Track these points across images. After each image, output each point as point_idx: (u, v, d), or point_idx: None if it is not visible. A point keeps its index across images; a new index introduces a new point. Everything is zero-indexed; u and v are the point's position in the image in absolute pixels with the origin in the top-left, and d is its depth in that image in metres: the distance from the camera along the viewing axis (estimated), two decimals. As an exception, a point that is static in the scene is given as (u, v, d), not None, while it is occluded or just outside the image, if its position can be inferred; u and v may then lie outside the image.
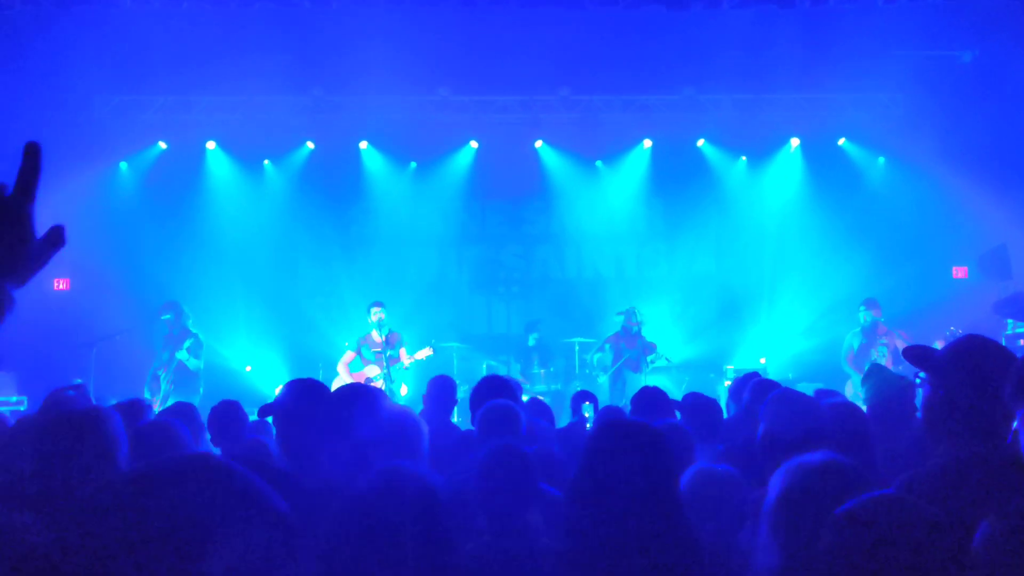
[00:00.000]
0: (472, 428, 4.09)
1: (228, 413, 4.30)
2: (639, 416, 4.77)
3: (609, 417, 3.03)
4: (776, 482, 2.09)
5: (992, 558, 1.65)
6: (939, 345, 8.20)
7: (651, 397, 4.84)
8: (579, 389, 6.12)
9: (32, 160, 1.15)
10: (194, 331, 9.59)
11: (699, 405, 4.87)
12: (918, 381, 2.69)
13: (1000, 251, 10.68)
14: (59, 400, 3.71)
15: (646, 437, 2.13)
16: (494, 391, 4.06)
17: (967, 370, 2.38)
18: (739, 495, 2.70)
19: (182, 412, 4.04)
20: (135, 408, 3.80)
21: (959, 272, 11.82)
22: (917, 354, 2.59)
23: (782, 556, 1.99)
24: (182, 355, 9.35)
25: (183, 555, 0.96)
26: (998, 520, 1.71)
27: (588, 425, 5.26)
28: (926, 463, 2.60)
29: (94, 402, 4.07)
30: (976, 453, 2.34)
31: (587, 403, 5.29)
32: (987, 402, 2.32)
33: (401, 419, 3.07)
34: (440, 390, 5.19)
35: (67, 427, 2.43)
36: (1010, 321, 9.62)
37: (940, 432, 2.45)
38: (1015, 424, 2.15)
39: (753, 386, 4.38)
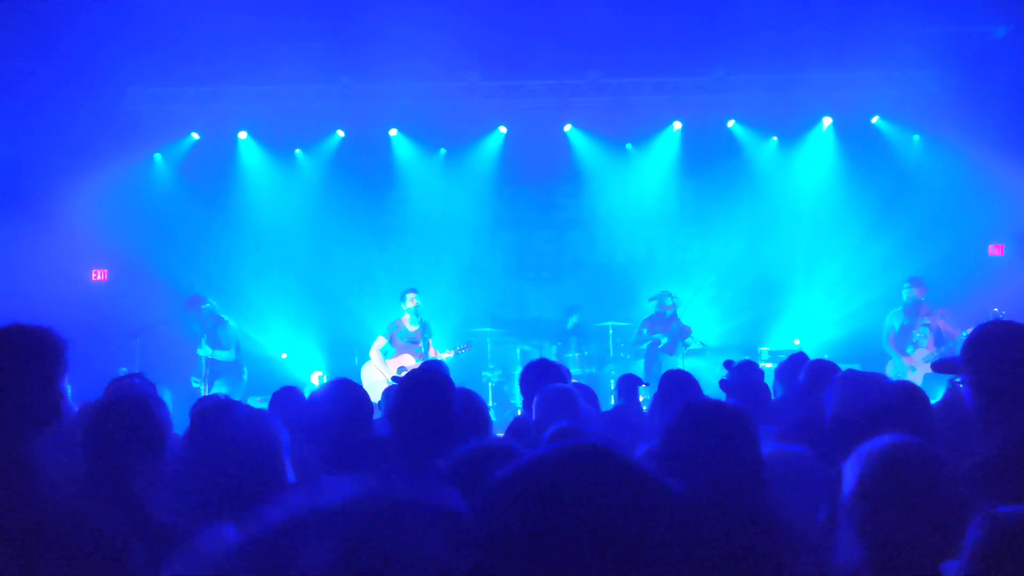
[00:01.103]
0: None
1: (288, 397, 4.36)
2: (666, 400, 4.75)
3: (692, 399, 3.04)
4: (852, 470, 2.09)
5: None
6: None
7: (678, 381, 4.81)
8: (622, 373, 6.12)
9: None
10: (226, 319, 9.70)
11: (747, 387, 4.87)
12: (960, 385, 2.70)
13: (1039, 228, 10.56)
14: (122, 387, 3.77)
15: (731, 417, 2.14)
16: (547, 375, 4.07)
17: (997, 358, 2.42)
18: (813, 474, 2.70)
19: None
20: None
21: (995, 250, 11.68)
22: (944, 366, 2.66)
23: (865, 547, 1.98)
24: (204, 352, 9.45)
25: None
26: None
27: (644, 408, 5.26)
28: (984, 451, 2.61)
29: (157, 390, 4.11)
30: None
31: (643, 386, 5.28)
32: (1021, 384, 2.35)
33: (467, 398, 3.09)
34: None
35: (117, 412, 2.45)
36: (1050, 299, 9.49)
37: (992, 422, 2.47)
38: None
39: (810, 367, 4.36)
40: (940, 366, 2.70)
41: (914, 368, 8.98)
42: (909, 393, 3.51)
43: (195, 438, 2.37)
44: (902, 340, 9.17)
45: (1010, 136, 10.38)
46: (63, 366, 2.21)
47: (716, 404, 2.24)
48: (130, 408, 2.48)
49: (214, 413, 2.45)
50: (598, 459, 1.04)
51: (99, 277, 11.30)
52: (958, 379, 2.66)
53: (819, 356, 10.30)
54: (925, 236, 11.19)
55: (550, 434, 2.80)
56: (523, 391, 4.10)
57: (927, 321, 9.05)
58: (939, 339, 8.81)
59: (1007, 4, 10.52)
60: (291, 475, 3.08)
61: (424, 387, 2.71)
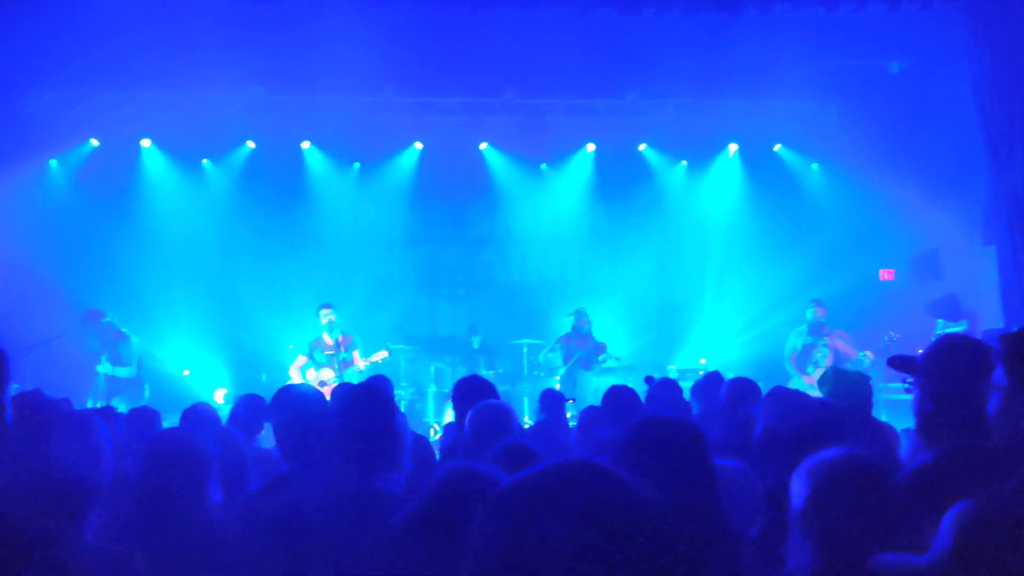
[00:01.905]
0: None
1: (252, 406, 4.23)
2: (610, 415, 4.82)
3: (647, 415, 3.05)
4: (802, 482, 2.14)
5: (974, 538, 1.74)
6: (869, 356, 8.45)
7: (621, 396, 4.90)
8: (537, 390, 6.15)
9: None
10: (126, 333, 9.32)
11: (671, 403, 4.96)
12: (907, 385, 2.82)
13: (931, 254, 11.15)
14: (27, 403, 3.55)
15: (688, 431, 2.16)
16: (479, 391, 4.04)
17: (949, 368, 2.53)
18: (751, 489, 2.76)
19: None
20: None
21: (885, 274, 12.26)
22: (902, 362, 2.75)
23: (818, 554, 2.03)
24: (104, 368, 9.09)
25: None
26: (974, 504, 1.80)
27: (571, 424, 5.28)
28: (921, 458, 2.73)
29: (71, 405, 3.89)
30: (967, 444, 2.46)
31: (570, 402, 5.31)
32: (971, 394, 2.45)
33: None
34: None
35: (67, 427, 2.41)
36: (940, 321, 10.02)
37: (934, 429, 2.58)
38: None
39: (732, 385, 4.47)
40: (897, 361, 2.76)
41: (813, 387, 9.27)
42: (829, 409, 3.65)
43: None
44: (803, 359, 9.51)
45: (905, 165, 10.93)
46: (6, 379, 2.16)
47: (674, 420, 2.26)
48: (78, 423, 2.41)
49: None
50: (602, 477, 1.06)
51: (-11, 289, 10.63)
52: (909, 380, 2.75)
53: (725, 375, 10.68)
54: (825, 260, 11.65)
55: (496, 451, 2.76)
56: (456, 408, 4.04)
57: (827, 341, 9.41)
58: (838, 360, 9.17)
59: (901, 41, 11.13)
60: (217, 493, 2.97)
61: (366, 403, 2.64)
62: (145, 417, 4.65)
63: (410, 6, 9.87)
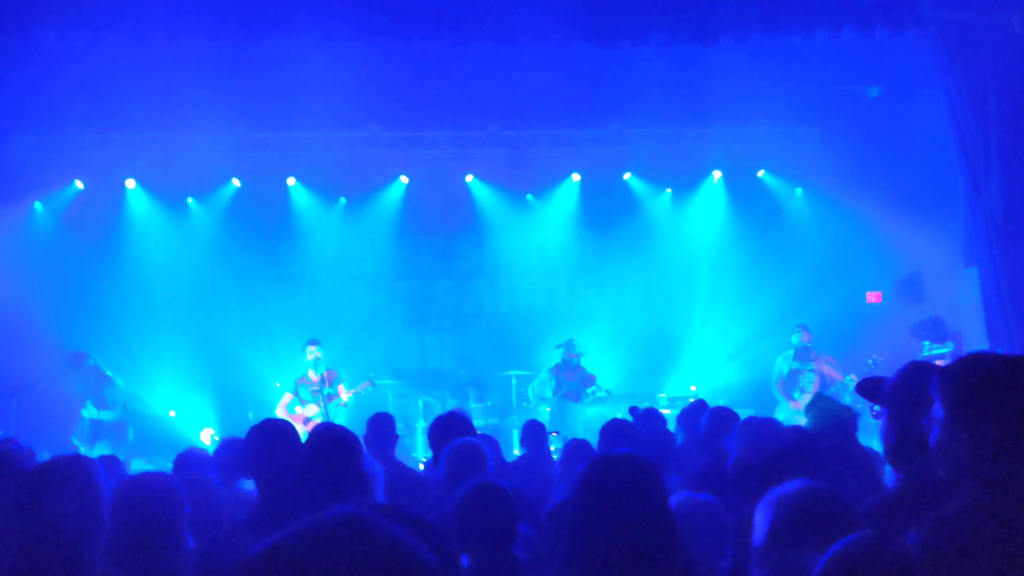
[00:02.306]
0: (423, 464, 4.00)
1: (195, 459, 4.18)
2: (606, 447, 4.81)
3: (603, 452, 3.03)
4: (763, 515, 2.12)
5: (924, 563, 1.72)
6: (854, 379, 8.43)
7: (619, 429, 4.88)
8: (527, 420, 6.10)
9: None
10: (111, 376, 9.27)
11: (653, 434, 4.94)
12: (875, 411, 2.81)
13: (914, 276, 11.19)
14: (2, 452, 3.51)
15: (643, 469, 2.15)
16: (455, 429, 4.02)
17: (914, 396, 2.50)
18: (720, 522, 2.73)
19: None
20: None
21: (873, 297, 12.29)
22: (868, 388, 2.73)
23: None
24: (89, 413, 9.04)
25: None
26: (931, 527, 1.78)
27: (555, 457, 5.25)
28: (890, 487, 2.71)
29: (34, 455, 3.85)
30: (929, 473, 2.44)
31: (554, 434, 5.28)
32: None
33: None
34: (380, 427, 5.07)
35: (55, 475, 2.41)
36: (926, 343, 10.05)
37: (899, 458, 2.56)
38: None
39: (711, 414, 4.45)
40: (864, 388, 2.74)
41: (800, 412, 9.28)
42: (801, 437, 3.63)
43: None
44: (789, 385, 9.50)
45: (886, 189, 11.02)
46: None
47: (625, 457, 2.24)
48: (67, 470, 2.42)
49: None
50: (357, 531, 1.00)
51: (-28, 333, 10.58)
52: (875, 408, 2.73)
53: (715, 401, 10.65)
54: (811, 284, 11.69)
55: (462, 493, 2.74)
56: (432, 446, 4.01)
57: (813, 366, 9.41)
58: (824, 384, 9.17)
59: (880, 67, 11.26)
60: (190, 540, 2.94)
61: (330, 445, 2.62)
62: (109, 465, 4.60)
63: (392, 42, 9.93)
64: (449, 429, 3.87)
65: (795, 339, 9.58)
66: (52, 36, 7.75)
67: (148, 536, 2.86)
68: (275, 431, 2.95)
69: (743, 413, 8.93)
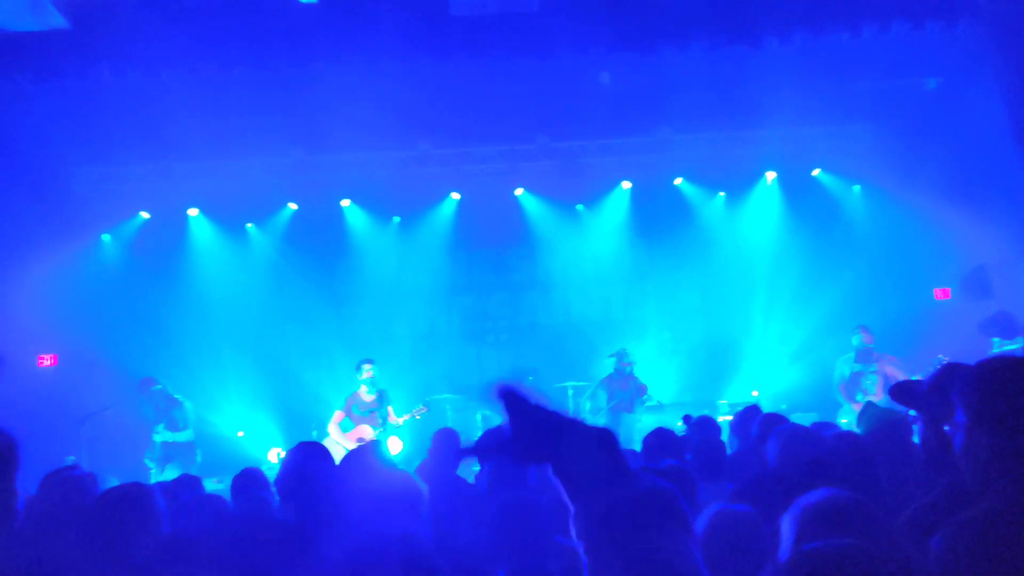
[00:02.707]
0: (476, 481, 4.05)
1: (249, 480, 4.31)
2: (650, 458, 4.76)
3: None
4: (788, 525, 2.09)
5: (945, 568, 1.67)
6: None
7: (661, 439, 4.85)
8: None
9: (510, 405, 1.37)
10: (180, 399, 9.55)
11: (703, 444, 4.88)
12: (912, 416, 2.73)
13: (980, 271, 10.82)
14: (65, 481, 3.66)
15: (658, 496, 2.11)
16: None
17: (947, 400, 2.43)
18: (757, 534, 2.69)
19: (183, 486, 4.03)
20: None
21: (941, 294, 11.94)
22: (903, 393, 2.65)
23: None
24: (162, 436, 9.29)
25: None
26: (951, 532, 1.73)
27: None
28: (929, 494, 2.64)
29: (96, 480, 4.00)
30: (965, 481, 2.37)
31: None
32: None
33: (401, 482, 3.06)
34: (444, 443, 5.15)
35: (114, 502, 2.54)
36: (996, 340, 9.70)
37: (939, 463, 2.49)
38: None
39: (762, 421, 4.38)
40: (898, 393, 2.67)
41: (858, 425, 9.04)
42: (852, 444, 3.55)
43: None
44: (852, 387, 9.27)
45: (947, 182, 10.70)
46: (15, 466, 2.24)
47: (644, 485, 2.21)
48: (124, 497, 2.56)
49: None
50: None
51: (47, 363, 11.05)
52: (912, 412, 2.67)
53: (776, 406, 10.47)
54: (873, 283, 11.43)
55: (496, 507, 2.77)
56: (480, 462, 4.05)
57: (876, 367, 9.17)
58: (888, 385, 8.90)
59: (937, 57, 10.96)
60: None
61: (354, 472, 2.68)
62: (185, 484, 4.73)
63: (438, 61, 10.08)
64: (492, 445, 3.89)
65: (855, 340, 9.36)
66: (107, 74, 8.06)
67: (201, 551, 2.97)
68: (308, 455, 3.02)
69: (806, 417, 8.83)
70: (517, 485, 3.35)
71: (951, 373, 2.47)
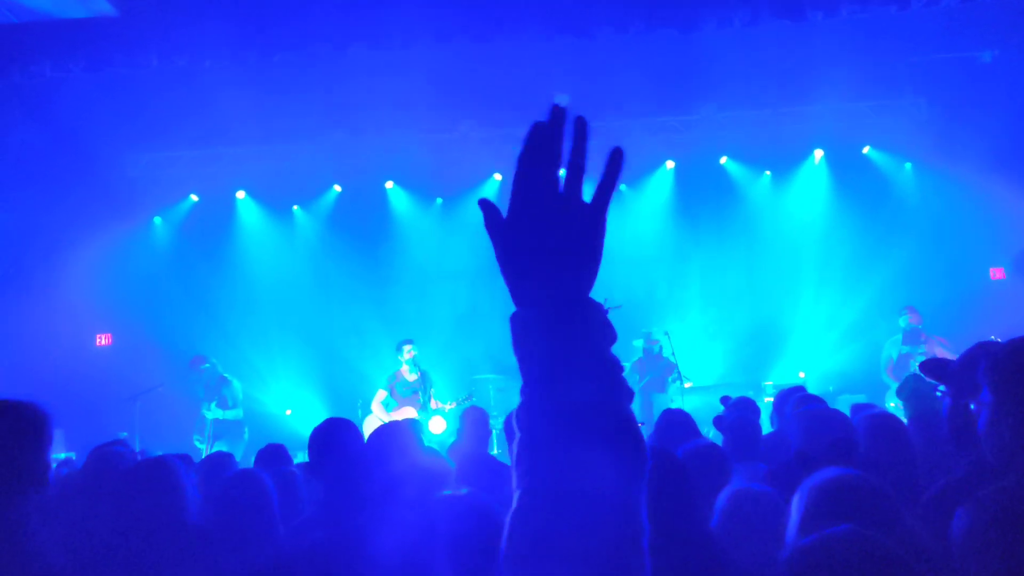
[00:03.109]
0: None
1: (273, 455, 4.41)
2: (663, 439, 4.75)
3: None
4: (797, 505, 2.09)
5: (967, 543, 1.65)
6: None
7: (673, 420, 4.81)
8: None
9: (615, 165, 1.09)
10: (229, 378, 9.77)
11: (738, 424, 4.85)
12: (939, 394, 2.69)
13: (1036, 249, 10.52)
14: (105, 455, 3.80)
15: (665, 464, 2.13)
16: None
17: (976, 379, 2.39)
18: (777, 515, 2.69)
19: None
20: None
21: (997, 273, 11.63)
22: (934, 370, 2.62)
23: None
24: (213, 414, 9.50)
25: None
26: (973, 507, 1.71)
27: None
28: (953, 474, 2.60)
29: (139, 455, 4.15)
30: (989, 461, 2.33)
31: (641, 425, 5.24)
32: None
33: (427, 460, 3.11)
34: (473, 422, 5.20)
35: (138, 476, 2.62)
36: (1052, 320, 9.41)
37: (965, 442, 2.45)
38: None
39: (796, 402, 4.34)
40: (930, 369, 2.64)
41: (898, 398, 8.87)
42: (882, 425, 3.50)
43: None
44: (900, 369, 9.09)
45: (1002, 159, 10.40)
46: (49, 439, 2.37)
47: (660, 454, 2.22)
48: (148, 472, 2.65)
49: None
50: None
51: (103, 342, 11.42)
52: (941, 389, 2.64)
53: (824, 388, 10.30)
54: (924, 262, 11.17)
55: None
56: (509, 441, 4.08)
57: (924, 348, 8.98)
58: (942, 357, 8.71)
59: (993, 29, 10.63)
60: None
61: (384, 446, 2.74)
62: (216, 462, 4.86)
63: (479, 41, 10.11)
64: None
65: (903, 322, 9.17)
66: (155, 60, 8.24)
67: (241, 526, 3.06)
68: (333, 432, 3.09)
69: (853, 398, 8.71)
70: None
71: (982, 351, 2.43)
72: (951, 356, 8.60)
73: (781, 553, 2.63)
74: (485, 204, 1.07)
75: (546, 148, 1.04)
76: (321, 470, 2.98)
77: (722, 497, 2.75)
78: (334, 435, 3.02)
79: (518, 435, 0.95)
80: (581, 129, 1.05)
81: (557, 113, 1.04)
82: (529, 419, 0.96)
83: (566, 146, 1.05)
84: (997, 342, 2.61)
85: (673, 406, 9.56)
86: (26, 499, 2.23)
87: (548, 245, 1.01)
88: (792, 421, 3.05)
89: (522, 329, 1.07)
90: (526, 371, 1.00)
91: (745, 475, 4.09)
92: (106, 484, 3.13)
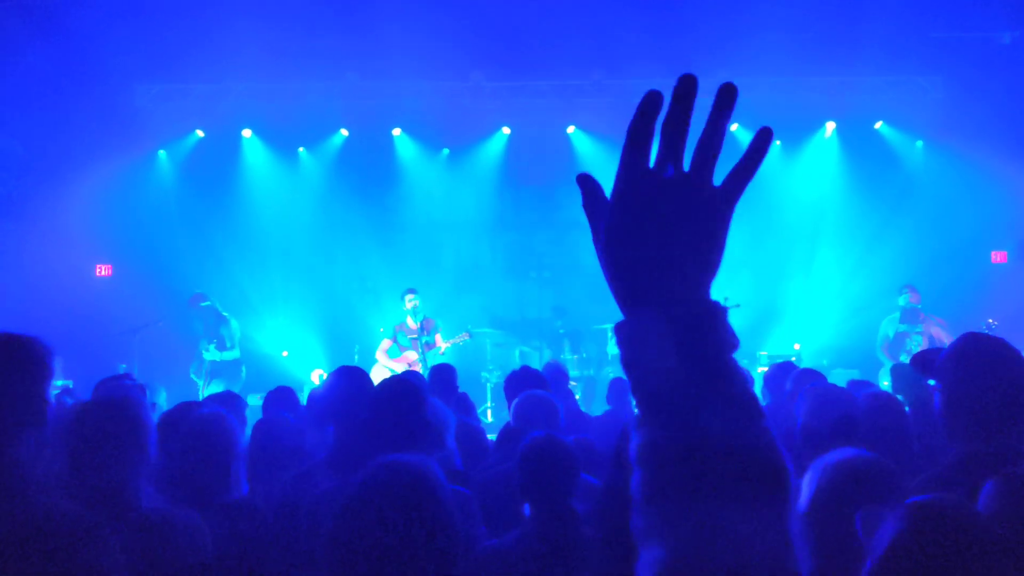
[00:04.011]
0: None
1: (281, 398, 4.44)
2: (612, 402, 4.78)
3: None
4: (807, 483, 2.11)
5: (995, 515, 1.67)
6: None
7: (621, 387, 4.86)
8: (613, 378, 6.12)
9: (761, 144, 0.91)
10: (228, 317, 9.80)
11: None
12: (932, 385, 2.72)
13: (1041, 236, 10.52)
14: (111, 389, 3.82)
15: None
16: (527, 382, 4.11)
17: (964, 370, 2.40)
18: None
19: (227, 401, 4.16)
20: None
21: (998, 256, 11.65)
22: (922, 361, 2.64)
23: (816, 560, 2.00)
24: (211, 355, 9.53)
25: None
26: (1002, 480, 1.73)
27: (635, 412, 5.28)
28: (940, 463, 2.63)
29: (145, 391, 4.16)
30: (977, 451, 2.36)
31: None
32: (988, 399, 2.33)
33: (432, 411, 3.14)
34: (440, 379, 5.09)
35: (98, 414, 2.54)
36: (1051, 307, 9.47)
37: (954, 433, 2.48)
38: None
39: (797, 376, 4.38)
40: (918, 361, 2.66)
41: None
42: (884, 405, 3.54)
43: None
44: (896, 348, 9.15)
45: (1013, 143, 10.35)
46: (48, 373, 2.30)
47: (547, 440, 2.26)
48: (113, 409, 2.56)
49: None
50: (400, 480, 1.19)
51: (103, 272, 11.40)
52: (931, 382, 2.66)
53: (818, 361, 10.36)
54: (927, 242, 11.17)
55: (524, 445, 2.83)
56: (508, 397, 4.12)
57: (922, 328, 9.03)
58: (933, 347, 8.77)
59: (1015, 10, 10.49)
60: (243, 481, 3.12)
61: (396, 399, 2.76)
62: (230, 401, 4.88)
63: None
64: (521, 383, 3.96)
65: (902, 300, 9.20)
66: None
67: (200, 470, 3.02)
68: (350, 378, 3.11)
69: (846, 374, 8.78)
70: (544, 422, 3.41)
71: (971, 343, 2.45)
72: (948, 336, 8.67)
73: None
74: (584, 180, 0.91)
75: (672, 120, 0.88)
76: (333, 419, 3.01)
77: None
78: (348, 384, 3.03)
79: (638, 472, 0.78)
80: (726, 99, 0.88)
81: (687, 83, 0.89)
82: (658, 459, 0.77)
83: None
84: (988, 332, 2.63)
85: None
86: (24, 437, 2.20)
87: (668, 236, 0.84)
88: (800, 397, 3.07)
89: (639, 340, 0.82)
90: (646, 393, 0.80)
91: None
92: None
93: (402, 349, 9.53)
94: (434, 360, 9.38)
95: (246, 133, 12.10)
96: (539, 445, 2.79)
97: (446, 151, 12.45)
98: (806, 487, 2.12)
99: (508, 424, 3.80)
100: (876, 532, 1.51)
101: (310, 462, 3.11)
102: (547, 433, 2.90)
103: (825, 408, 2.94)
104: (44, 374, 2.28)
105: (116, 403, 2.62)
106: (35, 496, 2.26)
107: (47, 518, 2.14)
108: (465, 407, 4.82)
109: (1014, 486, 1.72)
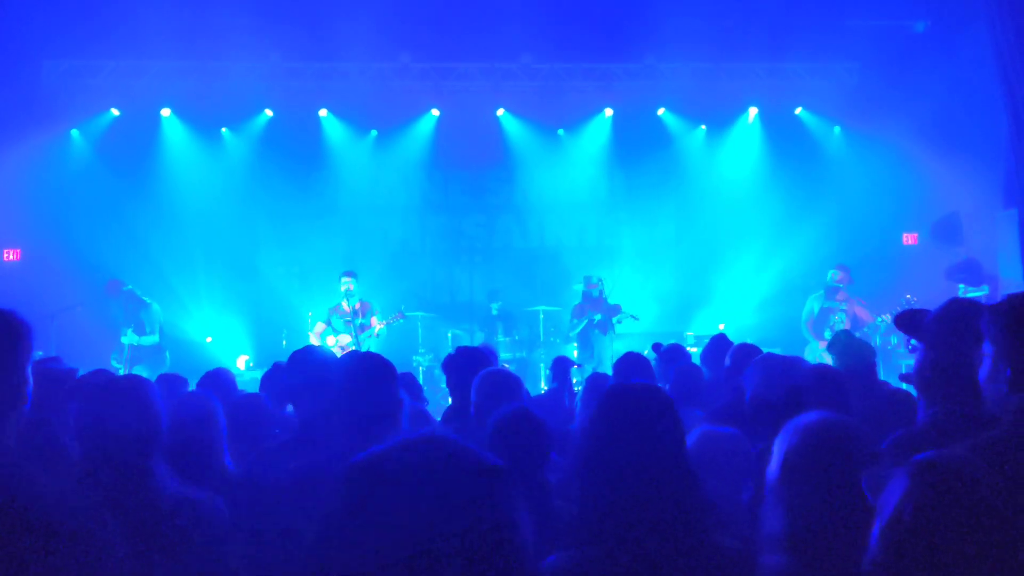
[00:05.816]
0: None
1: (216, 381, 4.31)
2: (622, 380, 4.85)
3: (618, 383, 3.08)
4: (779, 446, 2.16)
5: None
6: (886, 318, 8.35)
7: (633, 363, 4.93)
8: (554, 357, 6.16)
9: None
10: (148, 301, 9.51)
11: (679, 370, 4.99)
12: (912, 345, 2.81)
13: (952, 218, 11.01)
14: (45, 371, 3.64)
15: (657, 401, 2.16)
16: (478, 361, 4.06)
17: (950, 332, 2.51)
18: (742, 455, 2.79)
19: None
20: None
21: (909, 239, 12.14)
22: (907, 321, 2.72)
23: (788, 521, 2.04)
24: (129, 339, 9.27)
25: None
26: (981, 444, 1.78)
27: (577, 390, 5.32)
28: (917, 422, 2.73)
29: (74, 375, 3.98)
30: (959, 410, 2.46)
31: (575, 367, 5.35)
32: (967, 361, 2.43)
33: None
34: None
35: (113, 391, 2.45)
36: (961, 286, 9.93)
37: (933, 394, 2.57)
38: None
39: (736, 351, 4.48)
40: (903, 321, 2.74)
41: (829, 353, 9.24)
42: (825, 375, 3.65)
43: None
44: (820, 324, 9.46)
45: (927, 128, 10.77)
46: (27, 351, 2.13)
47: (644, 387, 2.25)
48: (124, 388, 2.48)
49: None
50: (446, 450, 1.12)
51: (11, 257, 10.86)
52: (912, 342, 2.75)
53: (742, 340, 10.62)
54: (844, 225, 11.58)
55: (498, 418, 2.81)
56: (451, 378, 4.04)
57: (844, 307, 9.35)
58: (855, 325, 9.11)
59: (926, 0, 10.91)
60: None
61: (372, 373, 2.71)
62: (171, 382, 4.74)
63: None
64: (471, 361, 3.91)
65: (829, 277, 9.50)
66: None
67: (192, 452, 2.99)
68: (315, 357, 3.04)
69: (769, 352, 9.01)
70: (511, 397, 3.40)
71: (959, 307, 2.55)
72: (869, 315, 8.97)
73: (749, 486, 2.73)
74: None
75: None
76: (297, 397, 2.94)
77: (688, 439, 2.82)
78: (314, 363, 2.97)
79: None
80: None
81: None
82: None
83: None
84: (973, 299, 2.74)
85: (609, 351, 9.79)
86: (5, 418, 2.08)
87: None
88: (750, 369, 3.15)
89: None
90: None
91: (684, 420, 4.22)
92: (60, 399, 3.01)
93: (335, 332, 9.40)
94: (368, 343, 9.28)
95: (165, 112, 11.66)
96: (514, 418, 2.78)
97: (374, 133, 12.27)
98: (777, 450, 2.16)
99: (454, 404, 3.78)
100: (882, 491, 1.55)
101: (275, 440, 3.03)
102: (521, 406, 2.89)
103: (775, 378, 3.02)
104: (26, 351, 2.10)
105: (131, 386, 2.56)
106: (25, 476, 2.16)
107: (37, 498, 2.06)
108: (412, 389, 4.77)
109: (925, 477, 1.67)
